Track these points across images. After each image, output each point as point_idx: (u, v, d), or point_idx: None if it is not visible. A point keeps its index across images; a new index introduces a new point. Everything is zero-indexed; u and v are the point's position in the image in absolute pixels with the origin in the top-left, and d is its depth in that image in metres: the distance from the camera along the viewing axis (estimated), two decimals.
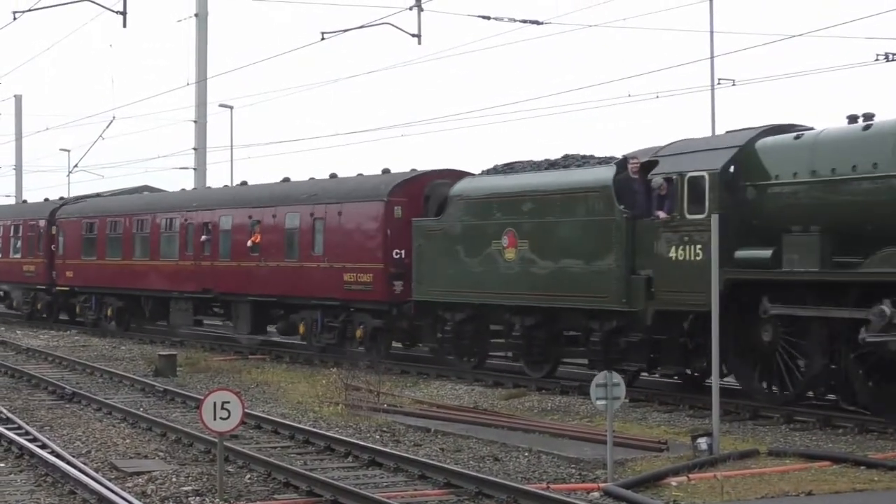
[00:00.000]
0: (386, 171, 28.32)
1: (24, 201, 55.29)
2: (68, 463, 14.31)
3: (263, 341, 30.72)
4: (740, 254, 18.46)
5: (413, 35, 28.87)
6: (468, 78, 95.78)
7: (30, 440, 16.21)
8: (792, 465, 14.28)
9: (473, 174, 25.38)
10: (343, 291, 27.39)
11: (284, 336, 30.80)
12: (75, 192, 61.88)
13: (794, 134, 18.77)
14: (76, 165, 56.97)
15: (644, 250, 20.09)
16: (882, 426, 16.77)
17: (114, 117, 49.31)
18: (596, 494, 12.89)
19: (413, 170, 27.66)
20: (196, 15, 41.65)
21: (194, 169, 43.39)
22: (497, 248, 23.11)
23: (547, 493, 12.32)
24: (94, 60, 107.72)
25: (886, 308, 16.13)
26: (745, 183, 18.83)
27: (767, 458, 14.81)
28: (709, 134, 30.39)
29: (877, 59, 28.22)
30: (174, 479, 13.57)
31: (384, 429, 17.90)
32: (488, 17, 29.88)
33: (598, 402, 13.85)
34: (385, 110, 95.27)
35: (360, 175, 29.49)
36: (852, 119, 18.05)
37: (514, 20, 30.05)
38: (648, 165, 20.46)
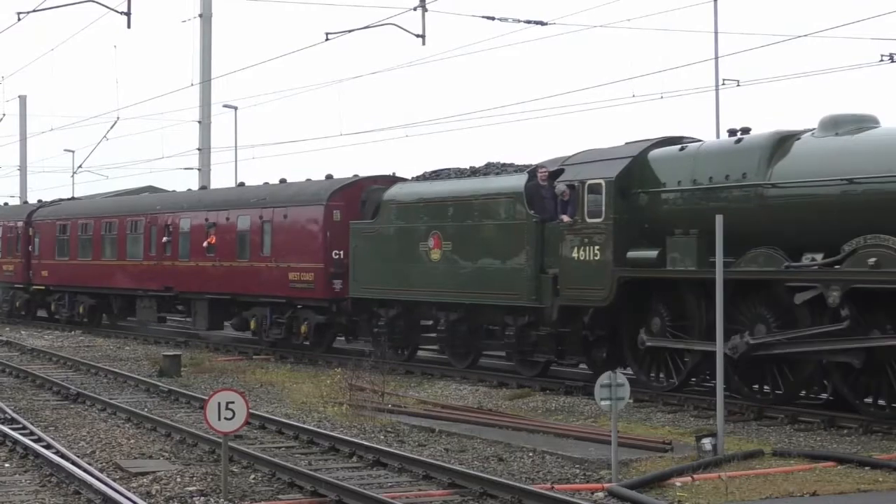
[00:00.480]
0: (329, 177, 30.14)
1: (26, 202, 55.38)
2: (73, 463, 14.33)
3: (276, 341, 30.72)
4: (631, 254, 20.42)
5: (417, 35, 28.84)
6: (472, 78, 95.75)
7: (34, 440, 16.22)
8: (796, 466, 14.27)
9: (407, 180, 27.30)
10: (288, 290, 29.19)
11: (238, 332, 32.68)
12: (80, 193, 62.00)
13: (680, 146, 20.65)
14: (80, 166, 56.94)
15: (551, 251, 21.99)
16: (886, 427, 16.77)
17: (118, 118, 49.35)
18: (600, 495, 12.89)
19: (355, 175, 29.57)
20: (200, 15, 41.69)
21: (199, 169, 43.44)
22: (424, 249, 25.10)
23: (551, 494, 12.32)
24: (99, 61, 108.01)
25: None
26: (638, 190, 20.64)
27: (772, 459, 14.81)
28: (713, 134, 30.41)
29: (881, 60, 28.21)
30: (179, 480, 13.57)
31: (388, 429, 17.91)
32: (493, 18, 29.87)
33: (603, 403, 13.85)
34: (389, 111, 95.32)
35: (307, 180, 31.03)
36: (732, 133, 20.07)
37: (519, 21, 30.05)
38: (556, 174, 22.29)
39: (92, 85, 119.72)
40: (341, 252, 27.90)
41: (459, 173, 25.59)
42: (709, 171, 19.67)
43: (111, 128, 49.79)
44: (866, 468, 14.06)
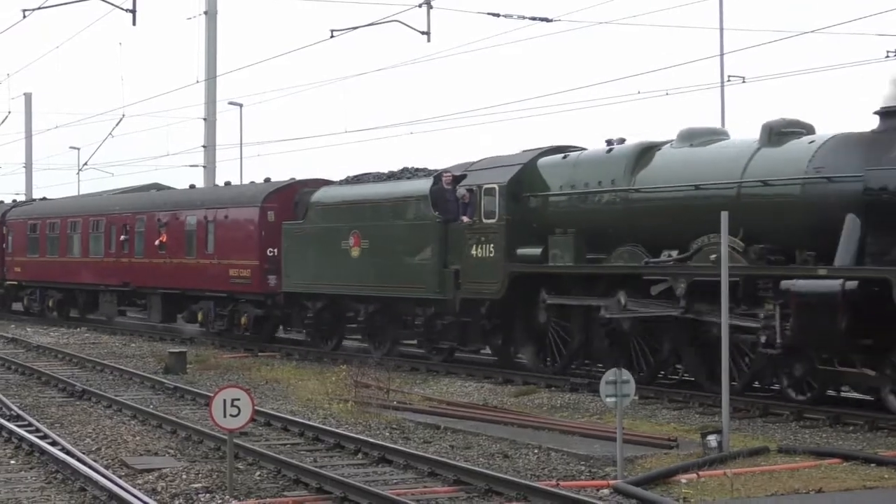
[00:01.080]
0: (267, 180, 32.72)
1: (32, 200, 55.48)
2: (79, 460, 14.33)
3: (274, 338, 30.96)
4: (520, 251, 23.02)
5: (422, 32, 28.87)
6: (478, 75, 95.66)
7: (40, 437, 16.23)
8: (802, 463, 14.25)
9: (333, 183, 29.81)
10: (229, 284, 31.79)
11: (188, 324, 35.34)
12: (85, 190, 62.02)
13: (563, 154, 23.15)
14: (86, 163, 57.02)
15: (454, 249, 24.39)
16: (893, 424, 16.76)
17: (123, 115, 49.37)
18: (606, 492, 12.88)
19: (292, 178, 32.00)
20: (205, 12, 41.66)
21: (204, 166, 43.47)
22: (345, 247, 27.41)
23: (557, 491, 12.32)
24: (104, 58, 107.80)
25: (622, 298, 20.91)
26: (527, 194, 23.18)
27: (777, 456, 14.79)
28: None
29: (887, 56, 28.18)
30: (184, 476, 13.58)
31: (394, 426, 17.91)
32: (497, 15, 29.89)
33: (608, 400, 13.84)
34: (394, 108, 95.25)
35: (252, 182, 34.05)
36: (608, 143, 22.51)
37: (524, 17, 30.06)
38: (460, 178, 24.69)
39: (97, 82, 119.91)
40: (275, 250, 30.07)
41: (377, 177, 27.97)
42: (585, 177, 22.20)
43: (116, 125, 49.98)
44: (872, 465, 14.04)
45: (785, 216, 18.74)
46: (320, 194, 28.92)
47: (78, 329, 38.31)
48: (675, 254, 20.29)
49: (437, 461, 14.18)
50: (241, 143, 54.86)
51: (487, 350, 25.83)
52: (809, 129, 19.81)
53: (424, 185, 25.62)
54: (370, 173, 28.62)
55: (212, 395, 14.00)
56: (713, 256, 18.92)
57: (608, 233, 21.42)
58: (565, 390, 21.51)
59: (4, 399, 20.47)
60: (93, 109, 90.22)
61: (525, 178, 23.30)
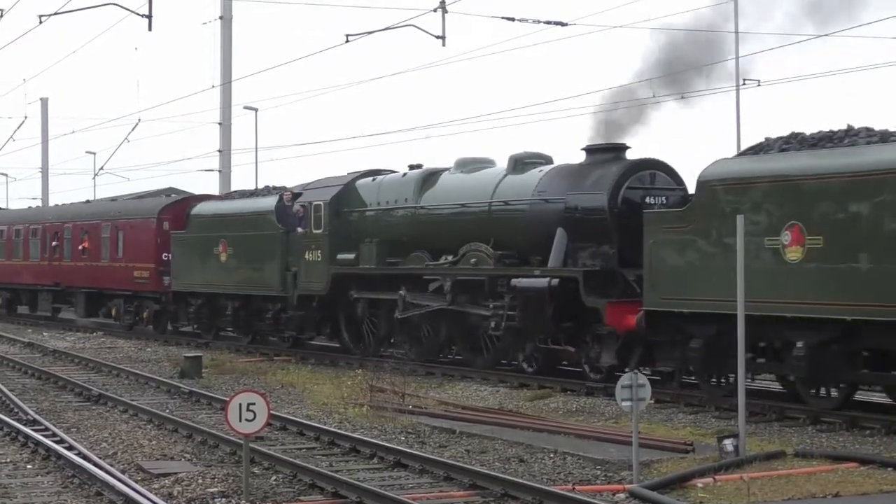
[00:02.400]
0: (168, 195, 40.37)
1: (57, 205, 55.77)
2: (95, 464, 14.36)
3: (297, 344, 31.07)
4: (340, 256, 28.42)
5: (437, 37, 28.86)
6: (493, 79, 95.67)
7: (56, 441, 16.28)
8: (818, 467, 14.22)
9: (215, 197, 36.49)
10: (134, 284, 37.69)
11: (106, 318, 40.52)
12: (101, 195, 62.16)
13: (373, 177, 28.83)
14: (102, 168, 57.26)
15: (293, 254, 29.93)
16: None
17: (139, 120, 49.66)
18: (622, 496, 12.87)
19: (188, 194, 38.66)
20: (221, 17, 41.71)
21: (219, 171, 43.53)
22: (216, 252, 32.86)
23: (572, 495, 12.31)
24: (120, 63, 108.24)
25: (408, 294, 26.16)
26: (346, 209, 28.70)
27: (794, 460, 14.76)
28: (734, 134, 30.26)
29: None
30: (200, 481, 13.60)
31: (409, 430, 17.91)
32: (512, 19, 29.87)
33: (624, 404, 13.83)
34: (410, 112, 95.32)
35: (153, 197, 41.04)
36: (411, 167, 27.91)
37: (539, 21, 30.04)
38: (298, 196, 30.24)
39: (113, 87, 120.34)
40: (169, 255, 35.49)
41: (241, 194, 34.45)
42: (387, 196, 27.79)
43: (132, 130, 50.09)
44: (889, 469, 14.00)
45: (520, 229, 24.00)
46: (199, 208, 34.82)
47: (94, 334, 38.44)
48: (450, 258, 25.53)
49: (452, 466, 14.18)
50: (256, 148, 55.04)
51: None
52: (548, 160, 25.07)
53: (270, 202, 31.34)
54: (239, 191, 35.64)
55: (227, 399, 14.03)
56: (473, 260, 24.90)
57: (403, 241, 27.05)
58: (581, 394, 21.50)
59: (21, 403, 20.53)
60: (109, 114, 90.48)
61: (345, 196, 28.87)
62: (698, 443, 16.02)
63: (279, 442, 17.03)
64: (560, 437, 16.94)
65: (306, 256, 29.19)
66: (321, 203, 28.94)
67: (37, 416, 18.97)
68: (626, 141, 23.68)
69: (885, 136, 17.84)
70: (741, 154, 20.49)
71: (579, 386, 21.97)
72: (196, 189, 41.47)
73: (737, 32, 35.60)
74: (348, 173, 29.78)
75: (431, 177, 27.00)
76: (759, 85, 35.75)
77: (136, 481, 13.54)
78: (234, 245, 32.12)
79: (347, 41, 29.84)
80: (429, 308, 25.67)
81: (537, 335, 23.10)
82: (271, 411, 14.51)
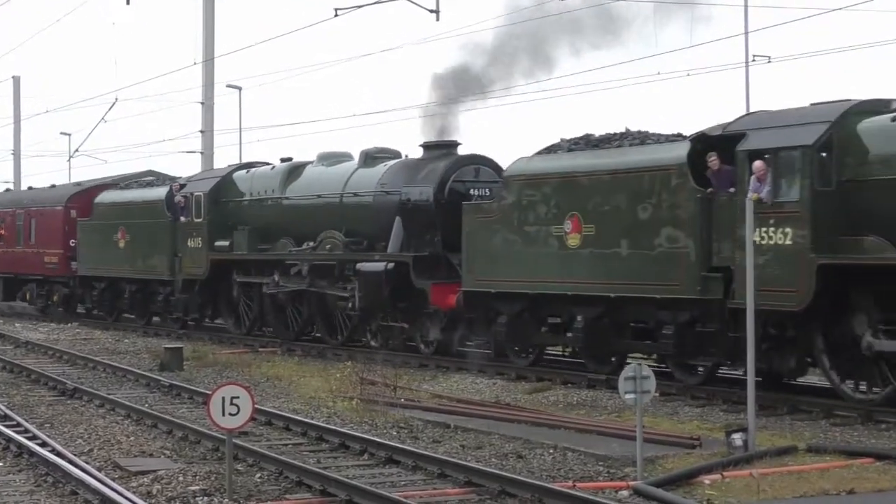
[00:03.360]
0: (77, 184, 43.40)
1: (30, 187, 55.71)
2: (70, 462, 14.35)
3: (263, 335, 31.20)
4: (217, 243, 32.36)
5: (431, 11, 28.84)
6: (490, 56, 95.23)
7: (29, 438, 16.25)
8: (832, 463, 14.23)
9: (116, 187, 39.42)
10: (45, 269, 41.57)
11: (22, 301, 44.27)
12: (76, 178, 62.05)
13: (247, 170, 33.19)
14: (77, 150, 57.26)
15: (180, 241, 33.95)
16: None
17: (116, 99, 49.57)
18: (625, 493, 12.87)
19: (96, 180, 42.32)
20: None
21: (201, 153, 43.49)
22: (116, 239, 36.88)
23: (573, 492, 12.30)
24: (96, 39, 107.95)
25: (276, 277, 30.00)
26: (225, 199, 32.77)
27: (806, 455, 14.77)
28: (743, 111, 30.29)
29: None
30: (181, 479, 13.58)
31: (401, 425, 17.92)
32: None
33: (627, 397, 13.81)
34: (403, 90, 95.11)
35: (74, 183, 43.39)
36: (282, 160, 32.15)
37: None
38: (184, 186, 34.52)
39: (89, 64, 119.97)
40: (76, 241, 39.37)
41: (140, 184, 38.22)
42: (259, 187, 31.79)
43: (109, 109, 50.12)
44: None
45: (367, 218, 27.71)
46: (101, 197, 38.78)
47: (69, 325, 38.43)
48: (311, 244, 29.26)
49: (447, 462, 14.17)
50: (240, 128, 54.88)
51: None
52: (395, 155, 28.78)
53: (161, 192, 35.56)
54: (139, 180, 39.06)
55: (210, 392, 14.00)
56: (328, 246, 28.80)
57: (271, 229, 30.94)
58: (582, 387, 21.51)
59: None
60: (85, 93, 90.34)
61: (223, 187, 32.97)
62: (705, 437, 16.03)
63: (264, 437, 17.01)
64: (560, 432, 16.94)
65: (189, 243, 33.37)
66: (201, 194, 33.08)
67: (8, 412, 18.93)
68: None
69: (643, 139, 21.89)
70: (538, 153, 23.90)
71: (580, 378, 22.01)
72: (177, 172, 41.37)
73: (746, 6, 35.59)
74: (228, 165, 35.42)
75: (297, 170, 31.15)
76: (769, 61, 35.72)
77: (114, 479, 13.53)
78: (131, 232, 36.29)
79: (336, 15, 29.81)
80: (290, 289, 29.70)
81: (378, 313, 27.19)
82: (256, 405, 14.49)
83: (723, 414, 18.55)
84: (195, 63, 41.97)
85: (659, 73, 37.38)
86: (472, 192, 25.80)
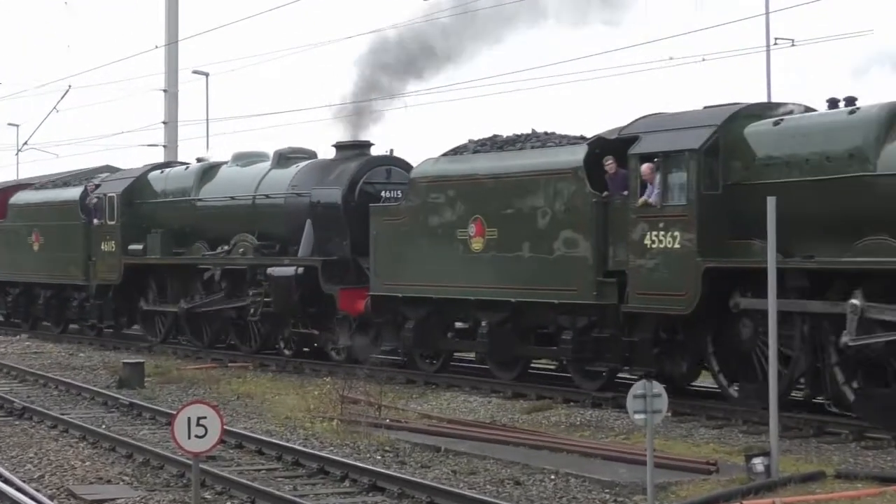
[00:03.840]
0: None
1: None
2: (18, 489, 14.31)
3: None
4: (131, 247, 33.97)
5: None
6: (485, 39, 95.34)
7: None
8: (863, 490, 14.23)
9: (32, 186, 40.74)
10: None
11: None
12: (25, 174, 62.05)
13: (161, 170, 34.87)
14: (26, 142, 57.13)
15: (94, 245, 35.31)
16: None
17: (70, 86, 49.56)
18: None
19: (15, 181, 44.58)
20: None
21: (164, 146, 43.50)
22: (30, 242, 38.24)
23: None
24: (47, 21, 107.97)
25: (214, 272, 30.96)
26: (139, 201, 34.33)
27: (835, 482, 14.77)
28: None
29: None
30: None
31: (386, 448, 17.91)
32: None
33: (637, 417, 13.77)
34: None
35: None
36: (199, 160, 34.30)
37: None
38: (98, 186, 36.01)
39: (39, 49, 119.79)
40: None
41: (55, 184, 39.35)
42: (173, 188, 33.40)
43: (62, 98, 49.98)
44: None
45: (278, 221, 29.33)
46: (16, 197, 40.05)
47: (18, 337, 38.35)
48: (226, 247, 30.94)
49: (437, 489, 14.18)
50: (207, 119, 54.94)
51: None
52: (311, 155, 30.46)
53: (75, 192, 36.72)
54: (54, 179, 40.38)
55: (174, 412, 13.97)
56: (241, 250, 30.57)
57: (185, 232, 32.67)
58: (586, 406, 21.52)
59: None
60: (34, 80, 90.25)
61: (137, 188, 34.47)
62: (723, 462, 16.03)
63: (234, 462, 17.00)
64: (562, 456, 16.94)
65: (102, 247, 34.88)
66: (114, 195, 34.60)
67: None
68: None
69: (545, 142, 23.46)
70: (444, 154, 25.53)
71: (584, 396, 22.02)
72: (134, 166, 41.27)
73: None
74: (143, 165, 36.57)
75: (211, 170, 32.84)
76: (792, 45, 35.79)
77: None
78: (46, 235, 37.63)
79: None
80: (203, 296, 31.54)
81: (289, 319, 28.84)
82: (225, 426, 14.46)
83: (742, 436, 18.56)
84: (157, 47, 41.99)
85: (671, 59, 37.29)
86: (383, 194, 27.43)
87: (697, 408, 20.37)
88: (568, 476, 15.51)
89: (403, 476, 15.08)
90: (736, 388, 20.09)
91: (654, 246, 20.35)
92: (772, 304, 15.01)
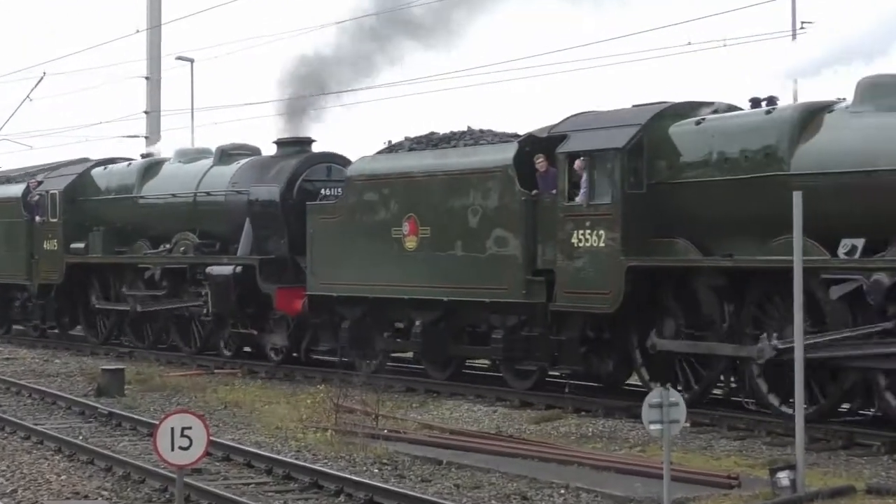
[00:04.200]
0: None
1: None
2: None
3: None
4: (73, 245, 35.41)
5: None
6: (498, 25, 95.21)
7: None
8: None
9: None
10: None
11: None
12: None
13: (105, 167, 36.06)
14: None
15: (36, 243, 36.87)
16: None
17: (44, 73, 49.53)
18: None
19: None
20: None
21: (146, 137, 43.54)
22: None
23: None
24: (20, 4, 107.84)
25: (154, 271, 32.54)
26: (81, 198, 35.72)
27: (865, 497, 14.79)
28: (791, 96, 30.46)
29: None
30: None
31: (384, 460, 17.92)
32: None
33: (652, 427, 13.80)
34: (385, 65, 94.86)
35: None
36: (143, 156, 36.32)
37: None
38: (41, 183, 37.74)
39: (12, 34, 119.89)
40: None
41: (9, 180, 40.91)
42: (115, 185, 34.98)
43: (36, 86, 49.96)
44: None
45: (219, 219, 30.86)
46: None
47: None
48: (168, 245, 32.39)
49: None
50: (192, 108, 54.85)
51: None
52: (255, 151, 32.24)
53: (18, 189, 38.21)
54: (5, 174, 42.64)
55: (157, 422, 13.99)
56: (182, 249, 31.98)
57: (128, 230, 34.39)
58: (598, 415, 21.53)
59: None
60: (6, 67, 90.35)
61: (80, 185, 35.88)
62: (745, 476, 16.05)
63: (221, 476, 17.00)
64: (573, 469, 16.96)
65: (45, 245, 36.36)
66: (56, 192, 36.01)
67: None
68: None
69: (478, 139, 25.04)
70: (380, 151, 27.17)
71: (596, 405, 22.05)
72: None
73: None
74: (85, 161, 37.88)
75: (154, 166, 34.60)
76: None
77: None
78: None
79: None
80: (145, 295, 33.00)
81: (228, 320, 30.29)
82: (211, 437, 14.47)
83: (766, 448, 18.57)
84: (138, 31, 42.01)
85: (690, 43, 37.22)
86: (323, 191, 28.76)
87: (717, 418, 20.39)
88: (579, 491, 15.52)
89: (402, 491, 15.10)
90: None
91: (580, 245, 21.79)
92: (798, 309, 15.02)
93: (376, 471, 17.22)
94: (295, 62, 31.52)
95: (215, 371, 29.76)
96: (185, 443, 13.24)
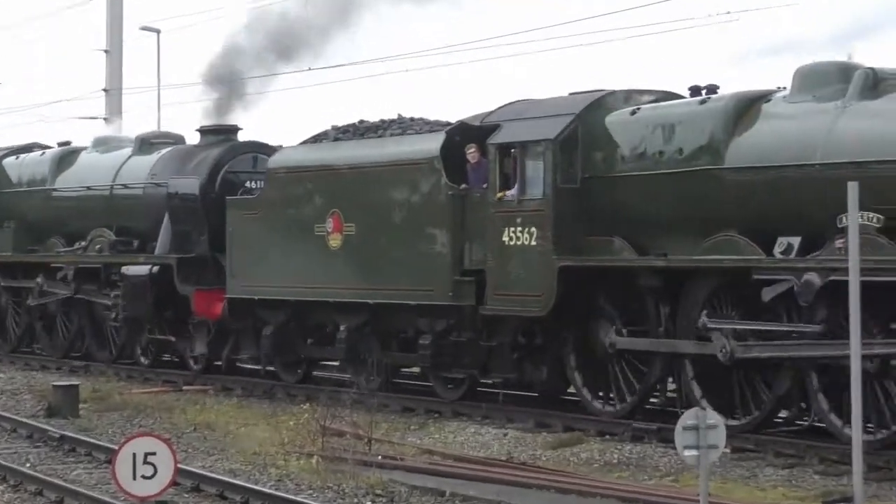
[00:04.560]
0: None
1: None
2: None
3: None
4: None
5: None
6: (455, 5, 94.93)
7: None
8: None
9: None
10: None
11: None
12: None
13: (17, 156, 36.95)
14: None
15: None
16: None
17: None
18: None
19: None
20: None
21: (104, 118, 43.54)
22: None
23: None
24: None
25: (40, 280, 33.90)
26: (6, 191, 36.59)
27: None
28: None
29: None
30: None
31: (378, 491, 17.91)
32: None
33: (687, 454, 13.77)
34: (375, 37, 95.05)
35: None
36: (60, 144, 36.66)
37: None
38: None
39: None
40: None
41: None
42: (27, 176, 35.89)
43: None
44: None
45: (137, 214, 31.62)
46: None
47: None
48: (83, 243, 33.02)
49: None
50: (158, 86, 54.86)
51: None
52: (178, 140, 33.02)
53: None
54: None
55: (116, 447, 13.97)
56: (98, 247, 32.65)
57: (41, 226, 35.10)
58: (625, 440, 21.51)
59: None
60: None
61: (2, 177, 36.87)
62: None
63: None
64: (596, 501, 16.97)
65: None
66: None
67: None
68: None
69: (406, 128, 25.76)
70: (303, 142, 27.97)
71: (622, 428, 22.01)
72: (74, 143, 41.42)
73: None
74: (35, 146, 38.19)
75: (70, 156, 35.34)
76: None
77: None
78: None
79: None
80: (56, 297, 33.56)
81: (145, 324, 30.99)
82: (179, 464, 14.46)
83: (818, 478, 18.53)
84: None
85: (693, 19, 37.39)
86: (248, 184, 29.46)
87: (762, 442, 20.36)
88: None
89: None
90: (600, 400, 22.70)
91: (511, 243, 22.66)
92: (854, 309, 14.99)
93: (368, 503, 17.21)
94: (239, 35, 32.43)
95: (184, 388, 29.72)
96: (149, 471, 13.25)
